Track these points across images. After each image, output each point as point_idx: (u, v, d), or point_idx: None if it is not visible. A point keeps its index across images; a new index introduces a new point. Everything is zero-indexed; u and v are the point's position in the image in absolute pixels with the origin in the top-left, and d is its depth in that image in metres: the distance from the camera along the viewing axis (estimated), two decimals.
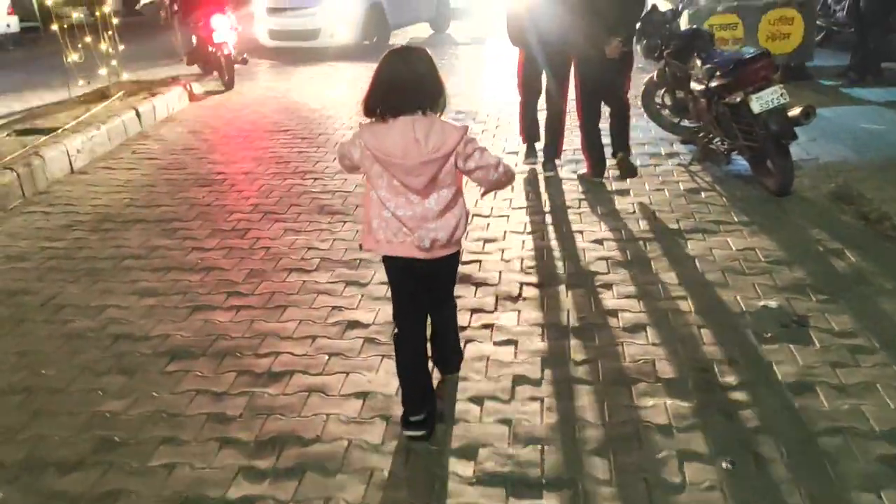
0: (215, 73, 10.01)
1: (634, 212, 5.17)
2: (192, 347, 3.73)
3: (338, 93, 9.74)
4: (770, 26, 8.33)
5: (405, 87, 2.67)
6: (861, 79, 8.44)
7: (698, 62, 5.60)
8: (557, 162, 6.18)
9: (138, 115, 7.84)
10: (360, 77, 10.69)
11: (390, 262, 2.93)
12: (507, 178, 2.85)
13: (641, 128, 7.14)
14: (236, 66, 9.97)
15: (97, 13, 8.02)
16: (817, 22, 9.15)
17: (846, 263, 4.28)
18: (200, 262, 4.70)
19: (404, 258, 2.84)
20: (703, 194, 5.41)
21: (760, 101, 4.93)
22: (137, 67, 10.41)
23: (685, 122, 6.59)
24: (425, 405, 2.99)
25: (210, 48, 9.72)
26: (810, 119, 5.02)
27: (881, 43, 8.59)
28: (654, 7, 6.39)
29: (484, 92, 9.04)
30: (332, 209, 5.48)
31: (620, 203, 5.35)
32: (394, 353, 3.07)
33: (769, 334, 3.59)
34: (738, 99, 5.06)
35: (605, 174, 5.83)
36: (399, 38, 14.23)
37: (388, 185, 2.73)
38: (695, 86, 5.65)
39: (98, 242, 5.07)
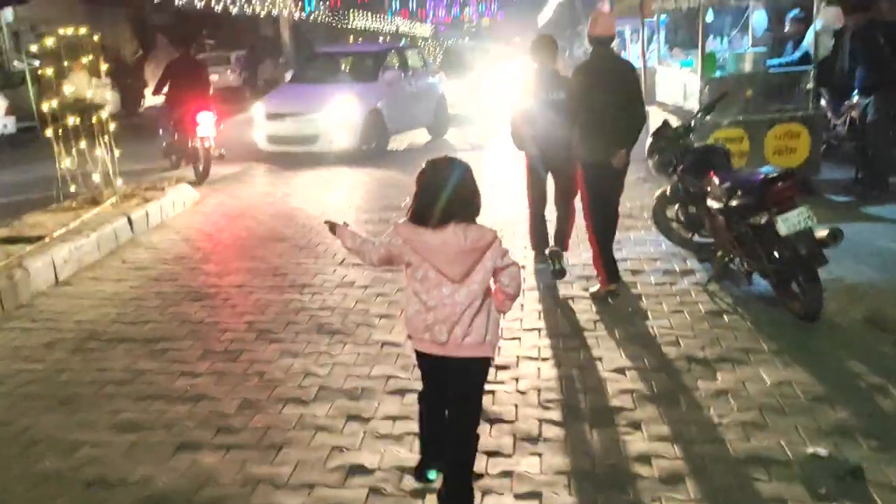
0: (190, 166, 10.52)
1: (655, 336, 4.86)
2: (174, 495, 3.31)
3: (337, 198, 9.57)
4: (776, 141, 8.26)
5: (451, 199, 2.87)
6: (868, 193, 8.31)
7: (716, 180, 5.41)
8: (566, 264, 6.15)
9: (130, 222, 7.58)
10: (358, 182, 10.56)
11: (419, 356, 3.12)
12: (519, 291, 3.03)
13: (652, 241, 6.93)
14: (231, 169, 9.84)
15: (94, 118, 7.84)
16: None
17: (893, 402, 3.94)
18: (189, 389, 4.32)
19: (427, 354, 3.02)
20: (725, 318, 5.12)
21: (787, 224, 4.70)
22: (135, 171, 10.28)
23: (697, 238, 6.38)
24: (439, 459, 3.16)
25: (191, 142, 10.53)
26: (838, 241, 4.79)
27: (886, 157, 8.52)
28: (666, 122, 6.28)
29: (486, 200, 8.85)
30: (331, 328, 5.14)
31: (638, 326, 5.05)
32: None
33: (824, 490, 3.21)
34: (763, 220, 4.83)
35: (619, 292, 5.56)
36: (397, 144, 14.27)
37: (424, 277, 2.91)
38: (712, 204, 5.44)
39: (80, 364, 4.69)
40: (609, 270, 5.58)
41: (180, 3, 25.81)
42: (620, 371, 4.40)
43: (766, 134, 8.26)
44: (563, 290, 5.83)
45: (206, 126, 10.52)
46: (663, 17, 12.18)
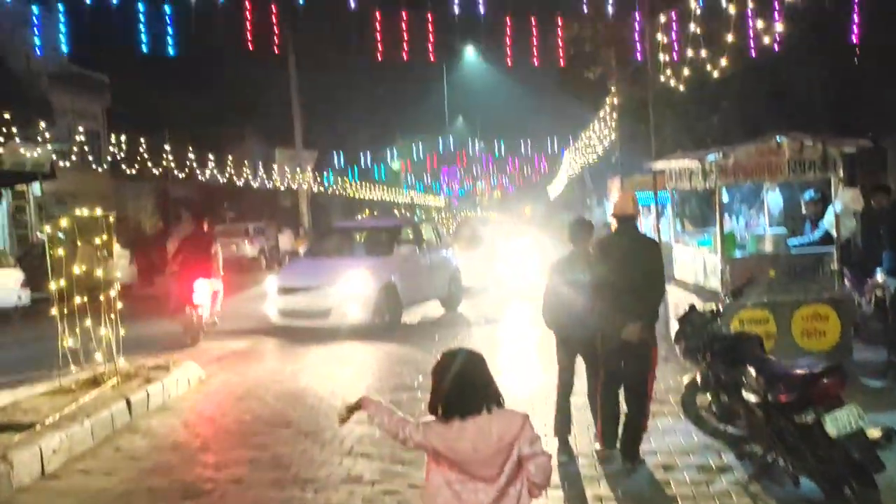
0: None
1: None
2: None
3: (347, 377, 9.22)
4: (804, 323, 7.95)
5: (469, 389, 2.92)
6: None
7: (752, 371, 5.06)
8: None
9: (129, 404, 7.22)
10: (370, 358, 10.25)
11: None
12: (547, 482, 2.95)
13: (681, 431, 6.46)
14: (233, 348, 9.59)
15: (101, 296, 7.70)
16: None
17: None
18: None
19: None
20: None
21: (837, 425, 4.31)
22: (144, 342, 10.05)
23: (731, 429, 5.94)
24: None
25: (187, 308, 10.99)
26: (893, 442, 4.36)
27: None
28: (693, 308, 6.02)
29: (502, 378, 8.48)
30: None
31: None
32: None
33: None
34: (810, 419, 4.43)
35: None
36: (410, 317, 14.06)
37: (458, 477, 2.90)
38: (749, 397, 5.06)
39: None
40: (606, 431, 5.83)
41: (203, 178, 26.73)
42: None
43: (793, 315, 7.97)
44: (590, 489, 5.33)
45: (201, 294, 11.10)
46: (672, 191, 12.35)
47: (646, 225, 16.43)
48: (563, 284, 6.10)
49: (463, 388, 2.92)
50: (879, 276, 8.92)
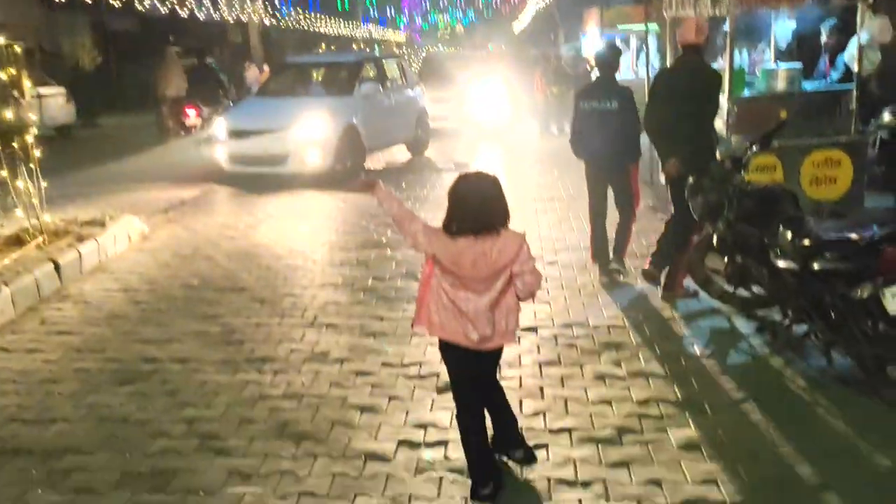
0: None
1: (721, 443, 3.70)
2: None
3: (308, 230, 8.33)
4: (814, 169, 7.19)
5: (483, 211, 3.03)
6: None
7: (786, 232, 4.28)
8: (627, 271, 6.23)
9: (57, 268, 6.30)
10: (333, 210, 9.34)
11: (444, 345, 3.26)
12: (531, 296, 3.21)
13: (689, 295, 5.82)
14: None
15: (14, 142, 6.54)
16: None
17: None
18: None
19: (453, 346, 3.19)
20: (805, 407, 3.98)
21: None
22: (84, 198, 9.02)
23: (743, 292, 5.29)
24: (491, 477, 3.28)
25: None
26: None
27: None
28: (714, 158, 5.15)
29: None
30: (297, 430, 3.92)
31: (701, 423, 3.89)
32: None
33: None
34: (866, 293, 3.69)
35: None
36: (374, 163, 13.07)
37: (453, 283, 3.11)
38: (781, 263, 4.31)
39: None
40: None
41: (143, 8, 24.36)
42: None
43: (803, 162, 7.19)
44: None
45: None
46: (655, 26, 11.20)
47: (625, 65, 15.27)
48: (590, 112, 6.08)
49: (479, 210, 3.03)
50: (887, 116, 8.14)
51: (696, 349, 4.83)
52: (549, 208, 9.18)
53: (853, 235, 3.85)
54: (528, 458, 3.52)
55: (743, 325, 5.18)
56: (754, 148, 5.03)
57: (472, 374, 3.30)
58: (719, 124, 7.43)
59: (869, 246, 3.73)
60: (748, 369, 4.51)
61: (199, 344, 5.08)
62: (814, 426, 3.84)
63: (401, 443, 3.77)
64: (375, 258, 7.06)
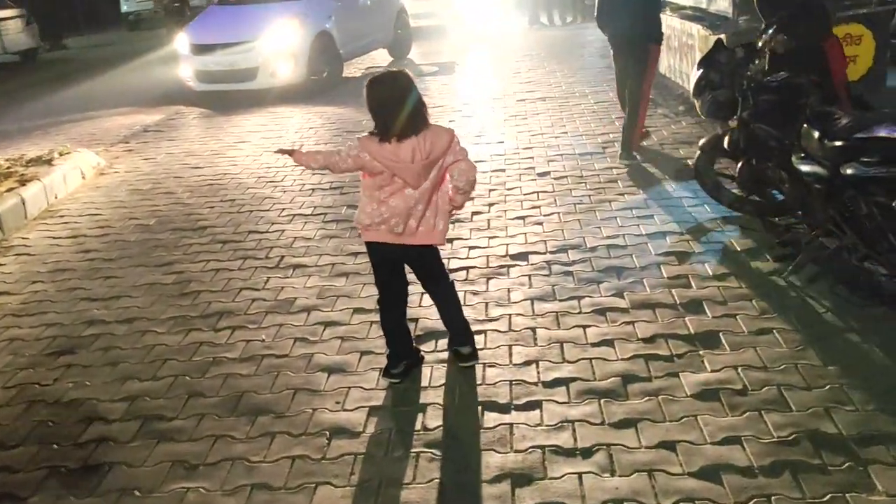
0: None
1: (742, 385, 3.17)
2: None
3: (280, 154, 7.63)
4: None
5: (415, 111, 3.10)
6: None
7: (814, 133, 3.62)
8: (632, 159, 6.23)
9: None
10: (310, 128, 8.62)
11: (371, 247, 3.36)
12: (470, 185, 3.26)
13: (689, 199, 5.21)
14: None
15: None
16: None
17: None
18: None
19: (380, 243, 3.29)
20: (839, 337, 3.44)
21: None
22: (41, 129, 8.33)
23: (756, 197, 4.69)
24: (403, 358, 3.48)
25: None
26: None
27: None
28: (721, 44, 4.42)
29: (468, 135, 7.04)
30: (253, 402, 3.41)
31: (713, 362, 3.36)
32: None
33: None
34: None
35: None
36: (353, 70, 12.22)
37: (387, 182, 3.16)
38: (808, 168, 3.68)
39: None
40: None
41: None
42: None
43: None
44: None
45: None
46: None
47: None
48: None
49: (412, 112, 3.08)
50: None
51: (709, 269, 4.26)
52: (539, 109, 8.46)
53: (893, 134, 3.19)
54: (473, 355, 3.53)
55: (759, 237, 4.59)
56: (770, 32, 4.30)
57: (395, 259, 3.36)
58: (725, 4, 6.63)
59: None
60: (769, 290, 3.95)
61: (149, 299, 4.53)
62: (853, 358, 3.30)
63: (372, 410, 3.26)
64: (350, 182, 6.41)
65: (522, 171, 6.33)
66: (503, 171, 6.37)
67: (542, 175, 6.16)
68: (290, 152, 3.37)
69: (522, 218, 5.29)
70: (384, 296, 3.45)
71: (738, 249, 4.47)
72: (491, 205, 5.59)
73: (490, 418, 3.13)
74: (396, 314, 3.47)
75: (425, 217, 3.23)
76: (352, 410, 3.27)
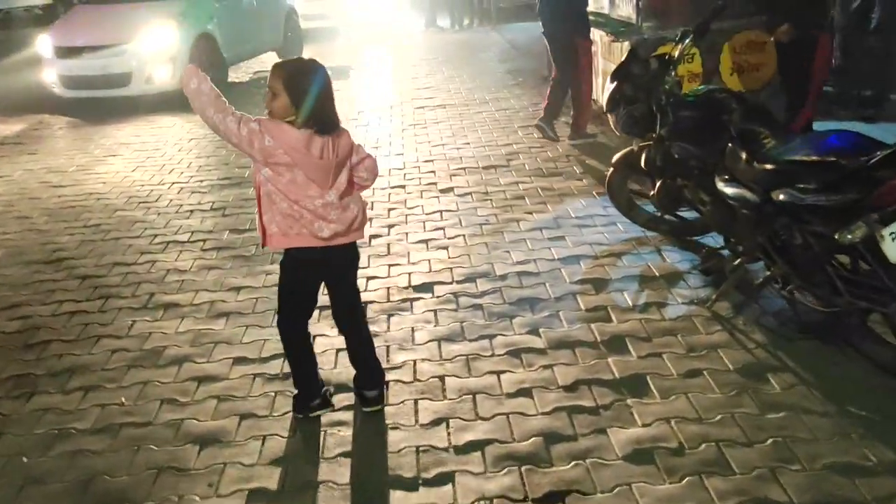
0: None
1: (678, 442, 2.82)
2: None
3: (155, 168, 6.90)
4: (735, 55, 6.29)
5: (331, 106, 2.85)
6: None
7: (740, 153, 3.32)
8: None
9: None
10: (190, 138, 7.89)
11: (289, 257, 3.00)
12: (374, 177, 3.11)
13: (600, 217, 4.90)
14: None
15: None
16: None
17: None
18: None
19: (301, 249, 2.93)
20: (773, 380, 3.14)
21: None
22: None
23: (670, 217, 4.42)
24: (314, 390, 3.14)
25: None
26: None
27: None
28: (635, 53, 4.09)
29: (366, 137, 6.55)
30: (109, 490, 2.79)
31: (641, 410, 2.99)
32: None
33: None
34: (859, 235, 2.76)
35: None
36: (239, 74, 11.49)
37: (292, 180, 2.82)
38: (733, 191, 3.37)
39: None
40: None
41: None
42: None
43: (723, 48, 6.27)
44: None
45: None
46: None
47: None
48: None
49: (328, 104, 2.83)
50: None
51: (628, 298, 3.93)
52: (439, 117, 8.05)
53: (838, 159, 2.88)
54: (379, 398, 3.17)
55: (677, 259, 4.31)
56: (686, 40, 4.00)
57: (318, 279, 3.09)
58: (629, 10, 6.39)
59: (859, 172, 2.79)
60: (694, 322, 3.63)
61: None
62: (791, 403, 2.99)
63: (253, 496, 2.72)
64: (234, 202, 5.81)
65: (424, 186, 5.88)
66: (403, 187, 5.91)
67: (444, 192, 5.73)
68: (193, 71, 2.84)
69: (425, 242, 4.84)
70: (291, 305, 3.08)
71: (657, 275, 4.16)
72: (391, 226, 5.12)
73: (395, 499, 2.65)
74: (304, 325, 3.11)
75: (347, 216, 2.93)
76: (227, 496, 2.72)
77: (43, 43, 9.70)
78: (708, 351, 3.39)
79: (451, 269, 4.42)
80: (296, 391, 3.16)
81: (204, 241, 5.10)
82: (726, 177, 3.45)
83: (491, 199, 5.49)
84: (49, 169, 7.11)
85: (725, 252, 3.90)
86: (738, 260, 3.59)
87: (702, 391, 3.11)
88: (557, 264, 4.37)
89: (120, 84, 9.30)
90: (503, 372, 3.36)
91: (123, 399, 3.34)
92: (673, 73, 3.89)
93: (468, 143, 6.97)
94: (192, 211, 5.69)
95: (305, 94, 2.74)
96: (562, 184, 5.72)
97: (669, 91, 3.79)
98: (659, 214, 4.49)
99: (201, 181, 6.42)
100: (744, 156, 3.29)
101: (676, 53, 3.97)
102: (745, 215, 3.38)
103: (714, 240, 4.34)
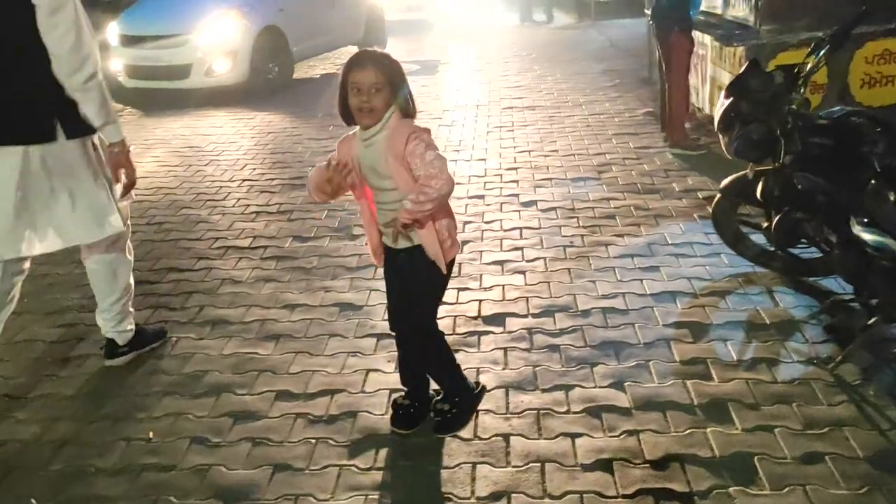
0: None
1: None
2: None
3: (229, 162, 6.65)
4: (867, 66, 5.55)
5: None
6: None
7: (889, 194, 2.71)
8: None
9: None
10: (255, 133, 7.63)
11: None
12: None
13: (700, 246, 4.31)
14: None
15: None
16: None
17: None
18: None
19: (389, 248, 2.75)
20: None
21: None
22: None
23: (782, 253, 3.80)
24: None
25: None
26: None
27: None
28: (756, 64, 3.49)
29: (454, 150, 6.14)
30: None
31: None
32: None
33: None
34: None
35: None
36: (307, 71, 11.22)
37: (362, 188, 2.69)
38: (874, 238, 2.78)
39: None
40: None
41: None
42: None
43: (853, 57, 5.53)
44: None
45: None
46: None
47: None
48: None
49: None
50: None
51: (732, 351, 3.35)
52: (528, 119, 7.55)
53: None
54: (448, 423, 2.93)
55: (792, 303, 3.70)
56: (821, 52, 3.37)
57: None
58: (745, 10, 5.73)
59: None
60: (813, 388, 3.03)
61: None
62: None
63: None
64: (301, 205, 5.48)
65: (504, 198, 5.40)
66: (482, 198, 5.44)
67: (526, 205, 5.24)
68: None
69: (501, 263, 4.37)
70: (394, 327, 2.98)
71: (768, 322, 3.56)
72: (464, 243, 4.66)
73: None
74: (407, 353, 3.00)
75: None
76: None
77: (111, 30, 9.60)
78: (830, 429, 2.80)
79: (527, 298, 3.93)
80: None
81: (265, 247, 4.78)
82: (865, 219, 2.84)
83: (577, 217, 4.97)
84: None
85: (855, 304, 3.27)
86: (873, 318, 2.97)
87: (823, 484, 2.53)
88: (649, 301, 3.83)
89: (179, 76, 9.01)
90: (579, 435, 2.86)
91: (151, 434, 3.00)
92: (802, 91, 3.27)
93: (556, 151, 6.45)
94: (257, 213, 5.39)
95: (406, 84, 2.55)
96: (658, 203, 5.14)
97: (798, 112, 3.19)
98: (772, 249, 3.88)
99: (272, 180, 6.12)
100: (892, 197, 2.68)
101: (808, 67, 3.35)
102: (885, 267, 2.78)
103: (839, 284, 3.72)
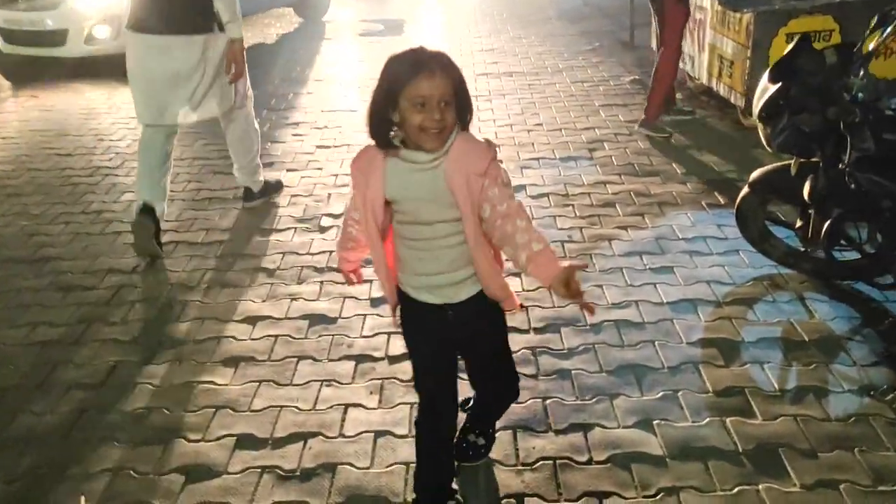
0: None
1: None
2: None
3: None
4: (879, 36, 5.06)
5: None
6: None
7: None
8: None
9: None
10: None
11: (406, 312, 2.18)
12: None
13: (722, 243, 3.83)
14: None
15: None
16: None
17: None
18: None
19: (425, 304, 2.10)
20: None
21: None
22: None
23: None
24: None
25: None
26: None
27: None
28: (807, 40, 2.95)
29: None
30: None
31: None
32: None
33: None
34: None
35: None
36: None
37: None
38: None
39: None
40: None
41: None
42: None
43: (870, 24, 5.03)
44: None
45: None
46: None
47: None
48: None
49: None
50: None
51: (772, 378, 2.89)
52: (505, 88, 6.98)
53: None
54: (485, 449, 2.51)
55: (828, 314, 3.25)
56: (889, 27, 2.86)
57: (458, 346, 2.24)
58: None
59: None
60: (871, 430, 2.58)
61: None
62: None
63: None
64: (208, 210, 4.84)
65: None
66: None
67: (514, 191, 4.68)
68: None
69: None
70: (424, 394, 2.25)
71: (806, 339, 3.10)
72: None
73: None
74: (437, 433, 2.26)
75: None
76: None
77: None
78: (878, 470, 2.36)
79: (526, 309, 3.41)
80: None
81: (220, 242, 4.17)
82: None
83: (573, 205, 4.45)
84: (59, 131, 6.21)
85: None
86: None
87: None
88: (667, 312, 3.34)
89: (54, 42, 7.90)
90: (607, 495, 2.37)
91: (83, 500, 2.43)
92: (861, 75, 2.76)
93: (540, 125, 5.89)
94: (209, 199, 4.76)
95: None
96: (660, 188, 4.64)
97: (865, 102, 2.68)
98: (801, 250, 3.42)
99: (226, 157, 5.46)
100: None
101: (871, 45, 2.84)
102: None
103: (881, 293, 3.28)
